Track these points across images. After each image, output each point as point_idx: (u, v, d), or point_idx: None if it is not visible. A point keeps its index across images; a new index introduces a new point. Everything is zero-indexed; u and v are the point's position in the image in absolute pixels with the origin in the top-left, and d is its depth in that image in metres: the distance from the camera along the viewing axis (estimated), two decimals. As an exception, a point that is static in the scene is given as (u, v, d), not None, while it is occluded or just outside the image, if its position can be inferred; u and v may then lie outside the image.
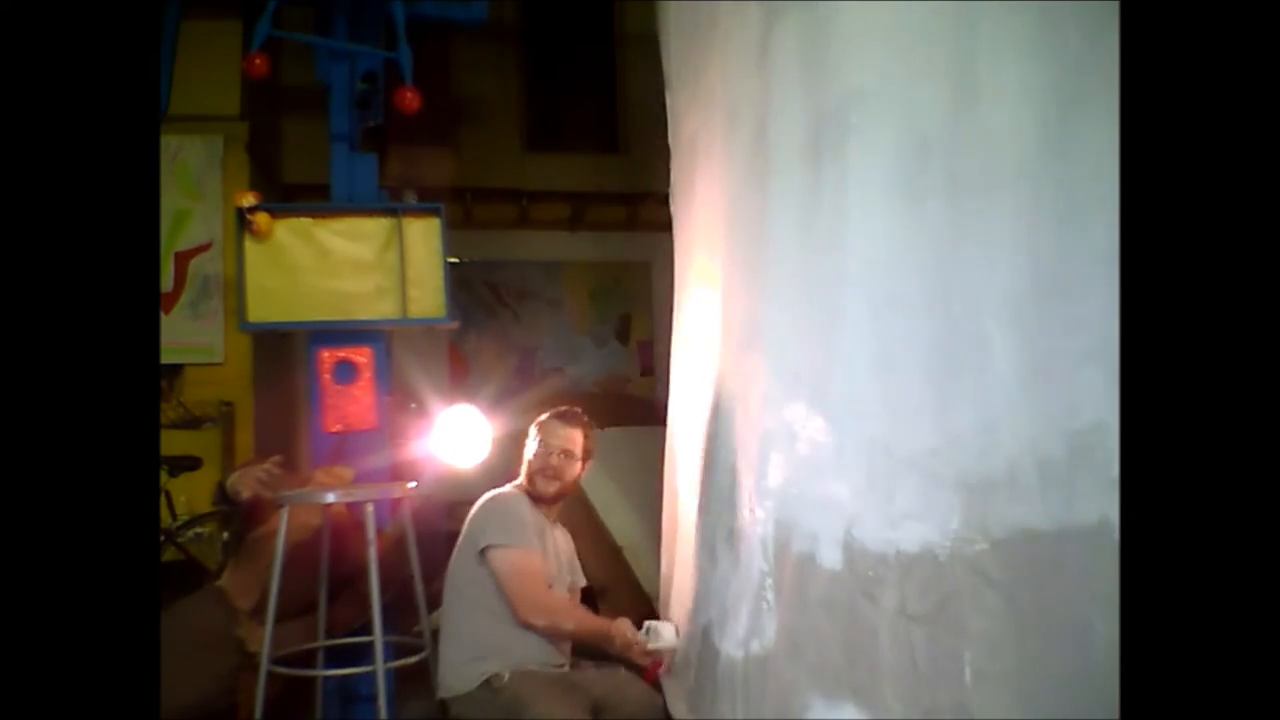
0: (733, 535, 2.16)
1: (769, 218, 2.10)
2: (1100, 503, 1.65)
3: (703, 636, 2.33)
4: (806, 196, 2.00)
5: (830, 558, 1.88)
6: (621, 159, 6.46)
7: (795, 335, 2.01)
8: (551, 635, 2.64)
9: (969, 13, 1.85)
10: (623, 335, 6.81)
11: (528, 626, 2.56)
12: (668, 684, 2.66)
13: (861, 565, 1.83)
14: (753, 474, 2.08)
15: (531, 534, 2.65)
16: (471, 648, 2.58)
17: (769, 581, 2.01)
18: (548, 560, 2.70)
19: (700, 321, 2.71)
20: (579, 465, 2.84)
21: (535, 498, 2.76)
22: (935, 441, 1.80)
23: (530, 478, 2.79)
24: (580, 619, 2.69)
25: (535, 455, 2.79)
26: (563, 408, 2.90)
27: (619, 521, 3.88)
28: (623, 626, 2.64)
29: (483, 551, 2.60)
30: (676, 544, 2.88)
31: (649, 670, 2.78)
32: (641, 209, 6.19)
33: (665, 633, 2.61)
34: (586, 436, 2.84)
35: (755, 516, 2.05)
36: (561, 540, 2.83)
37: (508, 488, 2.80)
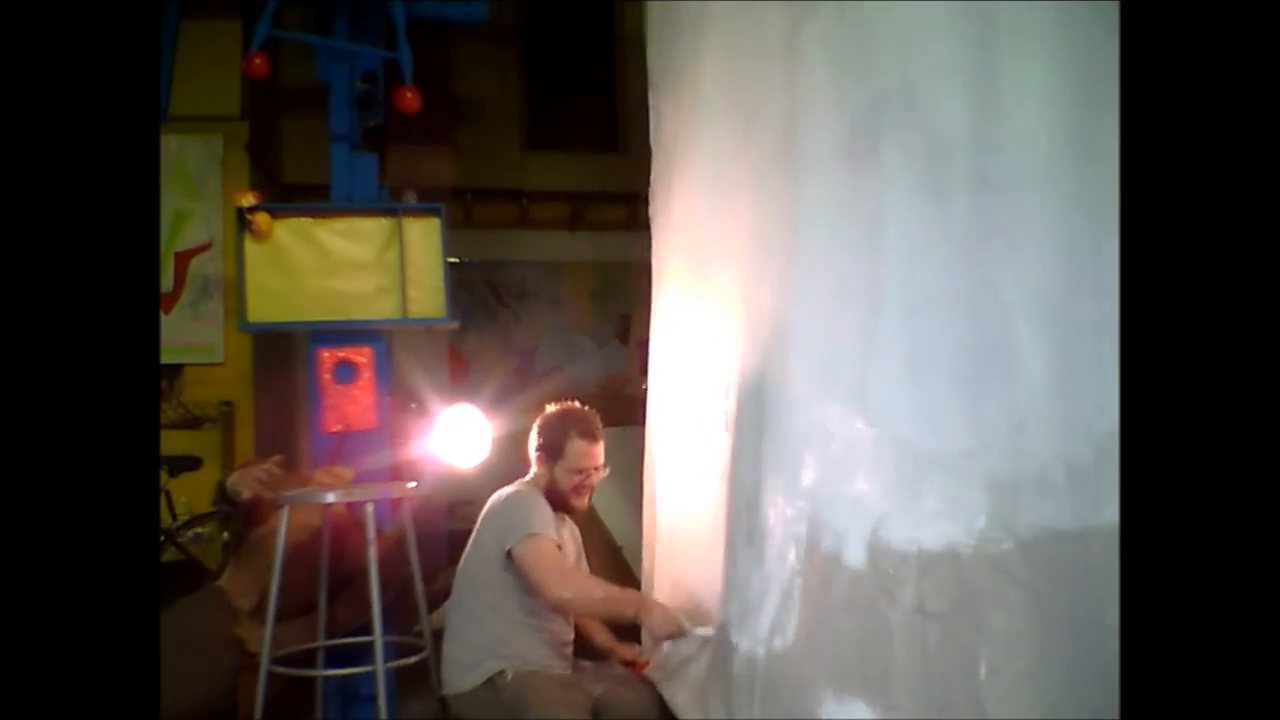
0: (754, 534, 2.16)
1: (801, 218, 2.10)
2: (1125, 503, 1.66)
3: (721, 633, 2.32)
4: (839, 197, 2.00)
5: (855, 557, 1.88)
6: (621, 159, 6.45)
7: (830, 336, 2.02)
8: (582, 608, 2.62)
9: (994, 13, 1.85)
10: (623, 335, 6.81)
11: (557, 604, 2.53)
12: (663, 681, 2.66)
13: (884, 564, 1.84)
14: (785, 474, 2.08)
15: (551, 528, 2.62)
16: (477, 647, 2.57)
17: (798, 580, 2.01)
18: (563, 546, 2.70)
19: (693, 322, 2.70)
20: (604, 469, 2.79)
21: (554, 502, 2.73)
22: (965, 442, 1.80)
23: (563, 498, 2.72)
24: (607, 587, 2.63)
25: (566, 480, 2.71)
26: (578, 417, 2.79)
27: (618, 521, 3.88)
28: (656, 604, 2.57)
29: (509, 552, 2.55)
30: (655, 543, 2.88)
31: (636, 665, 2.78)
32: (641, 209, 6.18)
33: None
34: (603, 438, 2.78)
35: (788, 516, 2.05)
36: (569, 537, 2.82)
37: (520, 486, 2.76)
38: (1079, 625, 1.70)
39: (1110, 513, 1.69)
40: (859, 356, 1.94)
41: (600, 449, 2.76)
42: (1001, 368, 1.80)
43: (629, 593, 2.67)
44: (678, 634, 2.46)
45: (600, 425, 2.80)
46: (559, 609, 2.58)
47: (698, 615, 2.48)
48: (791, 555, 2.03)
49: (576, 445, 2.71)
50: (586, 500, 2.78)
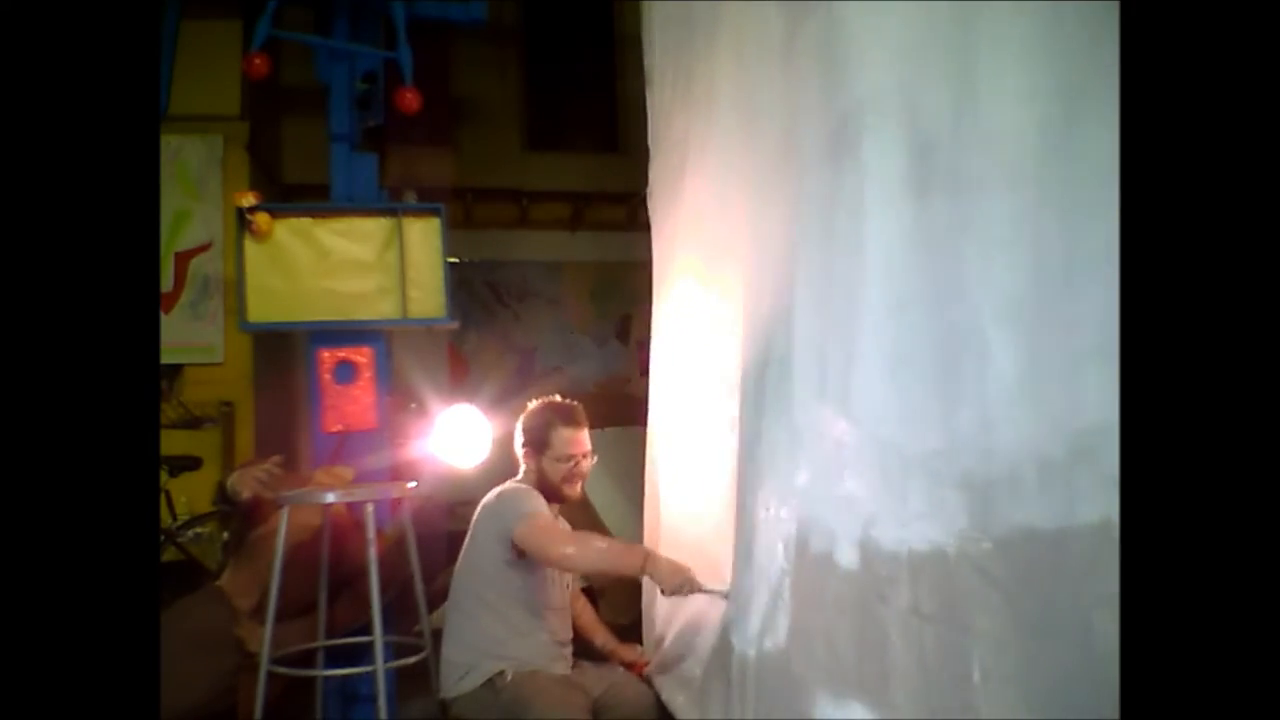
0: (754, 533, 2.17)
1: (796, 219, 2.11)
2: (1102, 502, 1.66)
3: (720, 634, 2.33)
4: (828, 198, 2.01)
5: (848, 557, 1.89)
6: (621, 159, 6.45)
7: (821, 336, 2.02)
8: (587, 564, 2.62)
9: (972, 12, 1.85)
10: (623, 335, 6.81)
11: (561, 562, 2.55)
12: (660, 680, 2.66)
13: (876, 565, 1.84)
14: (778, 473, 2.09)
15: (546, 510, 2.63)
16: (475, 648, 2.57)
17: (787, 580, 2.02)
18: None
19: (695, 321, 2.70)
20: (592, 456, 2.79)
21: (547, 495, 2.72)
22: (939, 441, 1.81)
23: (556, 489, 2.71)
24: (610, 541, 2.66)
25: (556, 471, 2.70)
26: (559, 407, 2.79)
27: (619, 521, 3.88)
28: (662, 557, 2.53)
29: (513, 543, 2.55)
30: (659, 543, 2.88)
31: (637, 666, 2.78)
32: (641, 209, 6.19)
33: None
34: (586, 425, 2.78)
35: (779, 516, 2.06)
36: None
37: (512, 484, 2.76)
38: (1058, 626, 1.70)
39: (1085, 512, 1.70)
40: (845, 357, 1.95)
41: (585, 436, 2.76)
42: (974, 366, 1.80)
43: (634, 545, 2.66)
44: (687, 586, 2.41)
45: (583, 413, 2.80)
46: (564, 567, 2.60)
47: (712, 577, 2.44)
48: (780, 555, 2.03)
49: (562, 434, 2.71)
50: (579, 488, 2.77)
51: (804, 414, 2.04)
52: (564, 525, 2.83)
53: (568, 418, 2.74)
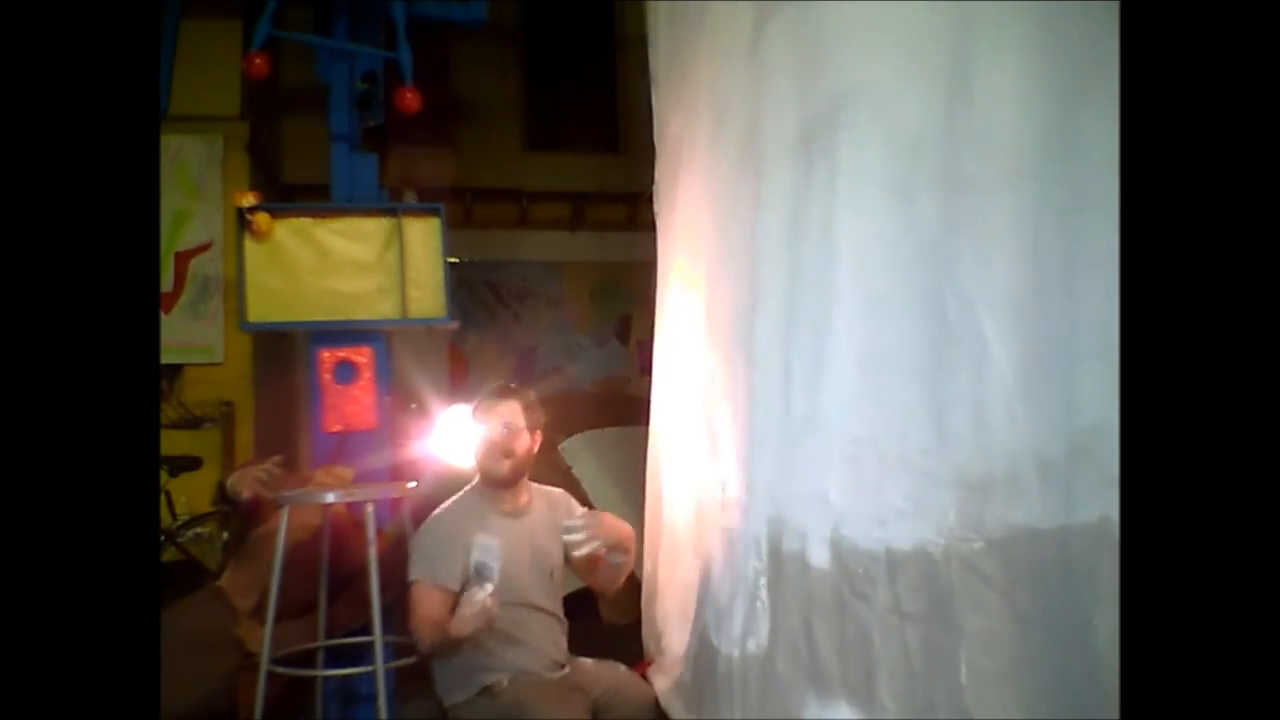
0: (727, 534, 2.17)
1: (760, 216, 2.10)
2: (1101, 501, 1.66)
3: (702, 635, 2.33)
4: (798, 194, 2.00)
5: (819, 556, 1.89)
6: (621, 159, 6.46)
7: (787, 333, 2.02)
8: (445, 650, 2.50)
9: (966, 11, 1.85)
10: (623, 335, 6.81)
11: (426, 653, 2.50)
12: (659, 680, 2.67)
13: (851, 564, 1.84)
14: (747, 473, 2.09)
15: (443, 561, 2.52)
16: (465, 661, 2.53)
17: (763, 580, 2.02)
18: (512, 550, 2.57)
19: (684, 320, 2.71)
20: (527, 436, 2.69)
21: (493, 486, 2.67)
22: (927, 440, 1.80)
23: (482, 469, 2.67)
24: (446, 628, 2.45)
25: (481, 443, 2.66)
26: (493, 386, 2.82)
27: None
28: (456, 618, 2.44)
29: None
30: (661, 543, 2.88)
31: (640, 665, 2.78)
32: (641, 209, 6.18)
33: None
34: (526, 407, 2.71)
35: (749, 515, 2.06)
36: (534, 526, 2.72)
37: (447, 506, 2.71)
38: (1056, 624, 1.70)
39: (1085, 511, 1.69)
40: (814, 355, 1.94)
41: (514, 407, 2.70)
42: (967, 365, 1.79)
43: (441, 625, 2.46)
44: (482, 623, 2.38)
45: (522, 391, 2.79)
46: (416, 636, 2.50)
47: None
48: (753, 555, 2.03)
49: (483, 406, 2.71)
50: (507, 467, 2.65)
51: (768, 412, 2.03)
52: (530, 523, 2.71)
53: (501, 390, 2.76)
